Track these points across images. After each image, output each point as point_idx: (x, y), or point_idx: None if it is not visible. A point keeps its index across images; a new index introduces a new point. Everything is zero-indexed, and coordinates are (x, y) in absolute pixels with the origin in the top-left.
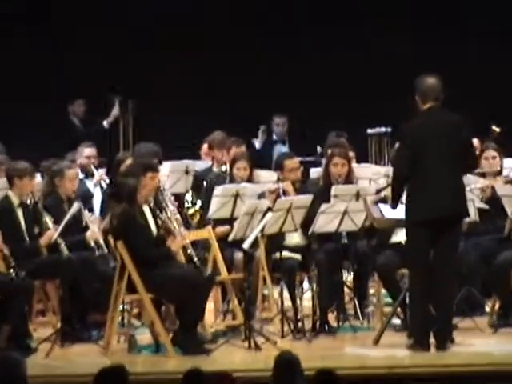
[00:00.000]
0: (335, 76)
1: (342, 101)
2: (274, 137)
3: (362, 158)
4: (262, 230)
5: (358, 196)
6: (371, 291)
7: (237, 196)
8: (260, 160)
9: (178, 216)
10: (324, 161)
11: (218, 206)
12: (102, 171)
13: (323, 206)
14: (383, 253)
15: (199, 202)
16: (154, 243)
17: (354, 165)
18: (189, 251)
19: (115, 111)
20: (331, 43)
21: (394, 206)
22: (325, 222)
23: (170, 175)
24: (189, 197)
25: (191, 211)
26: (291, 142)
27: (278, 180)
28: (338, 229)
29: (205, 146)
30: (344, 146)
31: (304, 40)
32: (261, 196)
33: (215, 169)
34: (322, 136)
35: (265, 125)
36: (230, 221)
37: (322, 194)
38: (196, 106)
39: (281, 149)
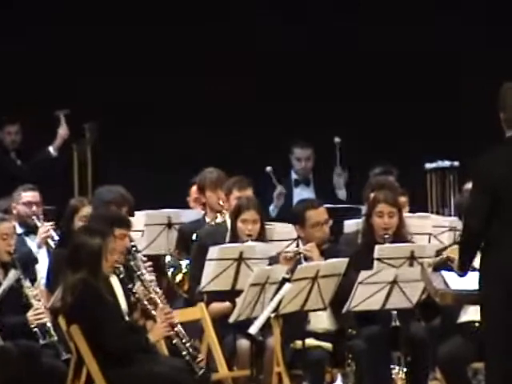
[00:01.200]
0: (380, 91)
1: (391, 127)
2: (294, 175)
3: (419, 205)
4: (277, 309)
5: (412, 259)
6: None
7: (241, 260)
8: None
9: (159, 290)
10: (364, 209)
11: (213, 274)
12: (49, 225)
13: (363, 274)
14: (448, 339)
15: (185, 264)
16: (126, 329)
17: (407, 214)
18: (174, 341)
19: (62, 130)
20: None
21: (464, 274)
22: (365, 297)
23: (146, 230)
24: (171, 260)
25: (178, 278)
26: (317, 183)
27: (298, 239)
28: (384, 306)
29: (193, 189)
30: (393, 187)
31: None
32: (274, 260)
33: (209, 220)
34: (362, 173)
35: (272, 166)
36: (232, 295)
37: (362, 257)
38: (184, 130)
39: (302, 193)
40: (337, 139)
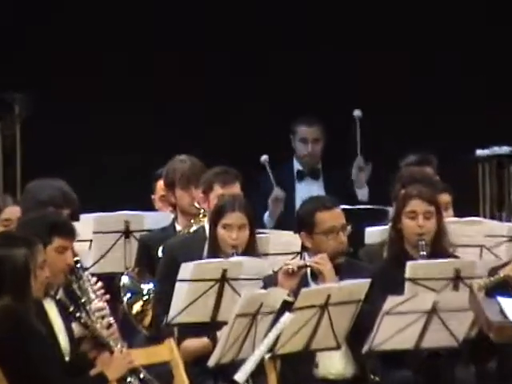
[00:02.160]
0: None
1: (429, 104)
2: (297, 165)
3: (467, 206)
4: (273, 348)
5: (457, 280)
6: None
7: (224, 281)
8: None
9: (112, 320)
10: (392, 210)
11: (187, 301)
12: None
13: (390, 301)
14: None
15: (147, 287)
16: (67, 370)
17: (451, 219)
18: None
19: None
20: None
21: None
22: (394, 332)
23: (96, 241)
24: (128, 281)
25: (136, 308)
26: (330, 176)
27: (303, 250)
28: (418, 344)
29: (159, 184)
30: (431, 181)
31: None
32: (269, 281)
33: (180, 227)
34: (391, 164)
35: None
36: (211, 328)
37: (389, 277)
38: (144, 105)
39: (310, 188)
40: (357, 112)
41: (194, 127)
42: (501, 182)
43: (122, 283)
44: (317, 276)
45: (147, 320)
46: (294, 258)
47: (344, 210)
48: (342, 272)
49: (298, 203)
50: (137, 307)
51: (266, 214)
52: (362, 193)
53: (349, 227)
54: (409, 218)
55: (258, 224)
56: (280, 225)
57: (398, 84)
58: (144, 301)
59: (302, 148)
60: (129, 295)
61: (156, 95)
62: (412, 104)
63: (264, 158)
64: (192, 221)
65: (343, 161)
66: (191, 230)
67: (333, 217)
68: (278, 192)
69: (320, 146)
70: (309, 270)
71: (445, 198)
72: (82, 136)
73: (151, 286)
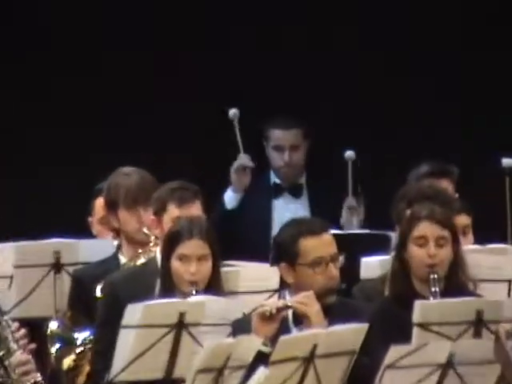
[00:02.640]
0: None
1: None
2: (274, 178)
3: (492, 230)
4: None
5: (479, 325)
6: None
7: (181, 327)
8: (238, 234)
9: (39, 377)
10: (395, 235)
11: (133, 353)
12: None
13: (393, 352)
14: None
15: (82, 336)
16: None
17: (471, 247)
18: None
19: None
20: None
21: None
22: None
23: (17, 277)
24: (58, 329)
25: (68, 362)
26: (316, 193)
27: (283, 287)
28: None
29: (98, 203)
30: (446, 198)
31: None
32: (239, 326)
33: (125, 260)
34: (398, 176)
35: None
36: None
37: (390, 321)
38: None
39: (291, 208)
40: (349, 154)
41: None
42: None
43: (49, 330)
44: (300, 320)
45: (82, 378)
46: (270, 297)
47: (335, 235)
48: (332, 314)
49: (275, 227)
50: (69, 361)
51: (228, 191)
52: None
53: (341, 258)
54: (417, 245)
55: (226, 254)
56: (253, 253)
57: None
58: (78, 353)
59: (276, 157)
60: (58, 346)
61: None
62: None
63: (233, 111)
64: (140, 251)
65: (330, 172)
66: (139, 262)
67: (321, 244)
68: (244, 159)
69: (301, 155)
70: (290, 312)
71: (463, 219)
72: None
73: (87, 334)
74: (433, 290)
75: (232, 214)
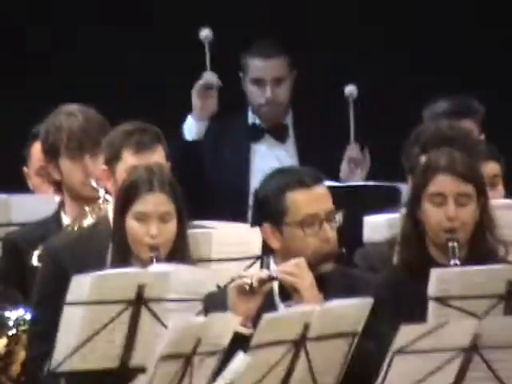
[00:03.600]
0: None
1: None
2: (252, 117)
3: None
4: None
5: (510, 298)
6: None
7: (139, 303)
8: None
9: None
10: (407, 188)
11: (81, 336)
12: None
13: (404, 333)
14: None
15: (15, 315)
16: None
17: (501, 201)
18: None
19: None
20: None
21: None
22: (410, 381)
23: None
24: None
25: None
26: (305, 137)
27: (267, 253)
28: None
29: (36, 151)
30: (468, 142)
31: None
32: (212, 303)
33: (69, 220)
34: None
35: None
36: (120, 379)
37: (400, 294)
38: None
39: (274, 155)
40: (350, 89)
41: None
42: None
43: None
44: (288, 294)
45: (16, 367)
46: (251, 266)
47: (331, 188)
48: (328, 287)
49: (254, 178)
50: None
51: (189, 118)
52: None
53: (339, 216)
54: (433, 203)
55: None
56: (228, 212)
57: None
58: (10, 337)
59: (256, 93)
60: None
61: None
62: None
63: (205, 32)
64: (87, 208)
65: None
66: (86, 223)
67: (313, 199)
68: (209, 76)
69: (286, 89)
70: (276, 284)
71: (491, 168)
72: None
73: (22, 312)
74: (452, 262)
75: (194, 148)
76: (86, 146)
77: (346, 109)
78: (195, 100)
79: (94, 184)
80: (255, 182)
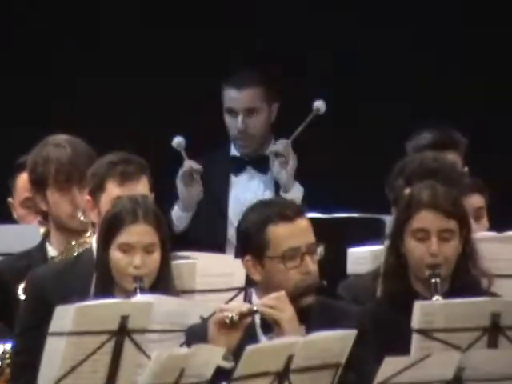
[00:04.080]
0: None
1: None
2: (234, 150)
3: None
4: None
5: (495, 330)
6: None
7: (123, 334)
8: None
9: None
10: (391, 220)
11: (64, 367)
12: None
13: (388, 365)
14: None
15: (2, 349)
16: None
17: (485, 234)
18: None
19: None
20: None
21: None
22: None
23: None
24: None
25: None
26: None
27: (250, 285)
28: None
29: (22, 181)
30: (454, 175)
31: None
32: (195, 335)
33: (54, 252)
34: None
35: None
36: None
37: (384, 326)
38: None
39: (250, 187)
40: (318, 103)
41: None
42: None
43: None
44: (270, 326)
45: None
46: (234, 298)
47: (314, 220)
48: (310, 319)
49: (233, 210)
50: None
51: (176, 208)
52: (292, 191)
53: (320, 249)
54: (416, 238)
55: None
56: (207, 247)
57: None
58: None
59: (230, 123)
60: None
61: None
62: None
63: (177, 140)
64: (74, 242)
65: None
66: (70, 254)
67: (294, 233)
68: (189, 163)
69: (260, 120)
70: (258, 317)
71: (476, 200)
72: None
73: (9, 346)
74: (434, 298)
75: (183, 238)
76: (74, 178)
77: (307, 116)
78: (181, 188)
79: (81, 217)
80: (233, 213)
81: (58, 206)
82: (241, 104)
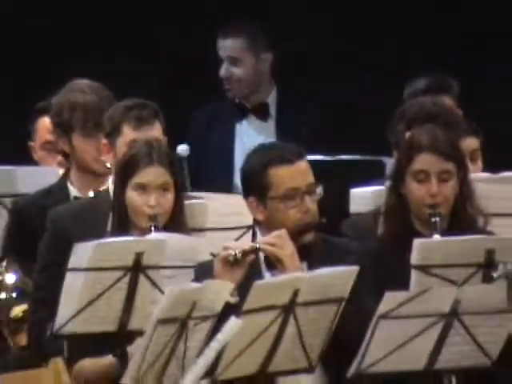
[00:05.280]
0: None
1: None
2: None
3: (506, 153)
4: (213, 370)
5: (489, 266)
6: None
7: (137, 270)
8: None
9: None
10: (392, 162)
11: (82, 301)
12: None
13: (388, 300)
14: None
15: (13, 279)
16: None
17: (480, 175)
18: None
19: None
20: None
21: None
22: (393, 346)
23: None
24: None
25: (17, 311)
26: (285, 113)
27: (255, 225)
28: (431, 364)
29: (44, 125)
30: (452, 119)
31: None
32: (205, 270)
33: (75, 192)
34: (390, 99)
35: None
36: (118, 341)
37: (385, 263)
38: None
39: (252, 132)
40: (182, 147)
41: None
42: None
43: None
44: (273, 264)
45: (23, 338)
46: (242, 236)
47: (313, 162)
48: (312, 256)
49: (237, 155)
50: (18, 310)
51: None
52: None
53: (319, 189)
54: (416, 180)
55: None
56: (211, 185)
57: None
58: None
59: (221, 70)
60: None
61: None
62: None
63: (182, 148)
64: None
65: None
66: (90, 194)
67: (294, 174)
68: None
69: (242, 70)
70: (262, 254)
71: (471, 143)
72: None
73: (22, 278)
74: (434, 236)
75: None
76: (101, 124)
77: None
78: None
79: (108, 164)
80: (238, 159)
81: (83, 150)
82: (224, 52)
